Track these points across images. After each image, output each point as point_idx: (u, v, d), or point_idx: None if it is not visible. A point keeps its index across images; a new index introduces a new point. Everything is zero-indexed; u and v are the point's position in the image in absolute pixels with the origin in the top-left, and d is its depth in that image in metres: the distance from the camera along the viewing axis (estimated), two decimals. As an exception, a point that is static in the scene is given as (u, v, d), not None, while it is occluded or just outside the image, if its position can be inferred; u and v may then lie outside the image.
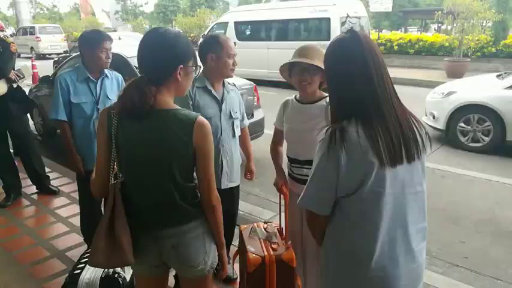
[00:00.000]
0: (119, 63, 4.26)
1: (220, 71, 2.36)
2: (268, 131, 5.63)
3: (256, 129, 5.09)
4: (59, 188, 4.39)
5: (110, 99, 2.75)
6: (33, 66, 11.33)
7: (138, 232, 1.51)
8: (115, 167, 1.50)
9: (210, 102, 2.38)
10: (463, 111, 5.96)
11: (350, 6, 11.05)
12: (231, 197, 2.59)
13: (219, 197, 1.56)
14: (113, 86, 2.82)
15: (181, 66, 1.47)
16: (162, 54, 1.45)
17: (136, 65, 1.59)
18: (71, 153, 2.78)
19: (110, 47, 2.69)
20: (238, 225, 2.68)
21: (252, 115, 5.18)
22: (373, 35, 19.58)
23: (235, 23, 12.75)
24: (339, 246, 1.36)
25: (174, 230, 1.52)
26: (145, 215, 1.52)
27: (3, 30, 4.63)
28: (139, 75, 1.50)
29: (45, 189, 4.27)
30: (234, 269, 2.78)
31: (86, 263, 2.11)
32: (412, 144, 1.29)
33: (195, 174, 1.53)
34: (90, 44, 2.65)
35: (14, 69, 3.96)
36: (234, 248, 2.92)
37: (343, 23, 10.49)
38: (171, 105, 1.48)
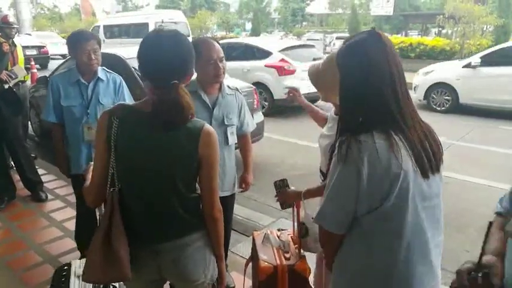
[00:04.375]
0: (116, 64, 4.16)
1: (203, 77, 2.22)
2: (268, 134, 5.64)
3: (255, 133, 5.01)
4: (55, 190, 4.31)
5: (101, 103, 2.62)
6: (32, 67, 11.22)
7: (136, 245, 1.41)
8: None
9: (198, 107, 2.20)
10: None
11: (167, 15, 16.24)
12: (223, 206, 2.49)
13: (221, 209, 1.50)
14: (107, 89, 2.68)
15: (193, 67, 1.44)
16: (185, 56, 1.38)
17: (135, 67, 1.50)
18: (57, 155, 2.76)
19: (95, 47, 2.54)
20: (239, 233, 2.60)
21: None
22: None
23: (103, 26, 17.74)
24: (356, 266, 1.27)
25: (175, 242, 1.45)
26: (145, 226, 1.43)
27: (9, 23, 4.18)
28: (137, 77, 1.43)
29: (34, 196, 4.13)
30: (232, 277, 2.71)
31: (66, 276, 2.02)
32: (433, 155, 1.23)
33: (197, 184, 1.46)
34: (73, 45, 2.54)
35: (6, 70, 3.89)
36: (230, 254, 2.85)
37: (159, 27, 15.10)
38: None
